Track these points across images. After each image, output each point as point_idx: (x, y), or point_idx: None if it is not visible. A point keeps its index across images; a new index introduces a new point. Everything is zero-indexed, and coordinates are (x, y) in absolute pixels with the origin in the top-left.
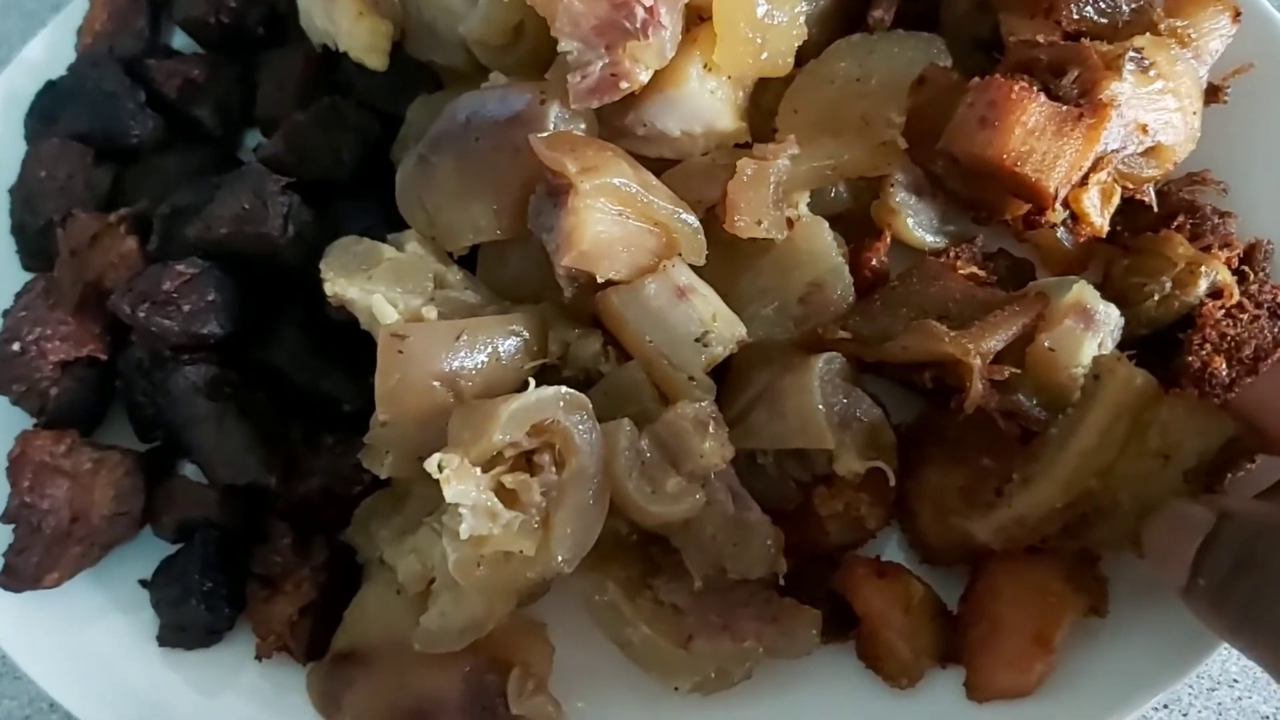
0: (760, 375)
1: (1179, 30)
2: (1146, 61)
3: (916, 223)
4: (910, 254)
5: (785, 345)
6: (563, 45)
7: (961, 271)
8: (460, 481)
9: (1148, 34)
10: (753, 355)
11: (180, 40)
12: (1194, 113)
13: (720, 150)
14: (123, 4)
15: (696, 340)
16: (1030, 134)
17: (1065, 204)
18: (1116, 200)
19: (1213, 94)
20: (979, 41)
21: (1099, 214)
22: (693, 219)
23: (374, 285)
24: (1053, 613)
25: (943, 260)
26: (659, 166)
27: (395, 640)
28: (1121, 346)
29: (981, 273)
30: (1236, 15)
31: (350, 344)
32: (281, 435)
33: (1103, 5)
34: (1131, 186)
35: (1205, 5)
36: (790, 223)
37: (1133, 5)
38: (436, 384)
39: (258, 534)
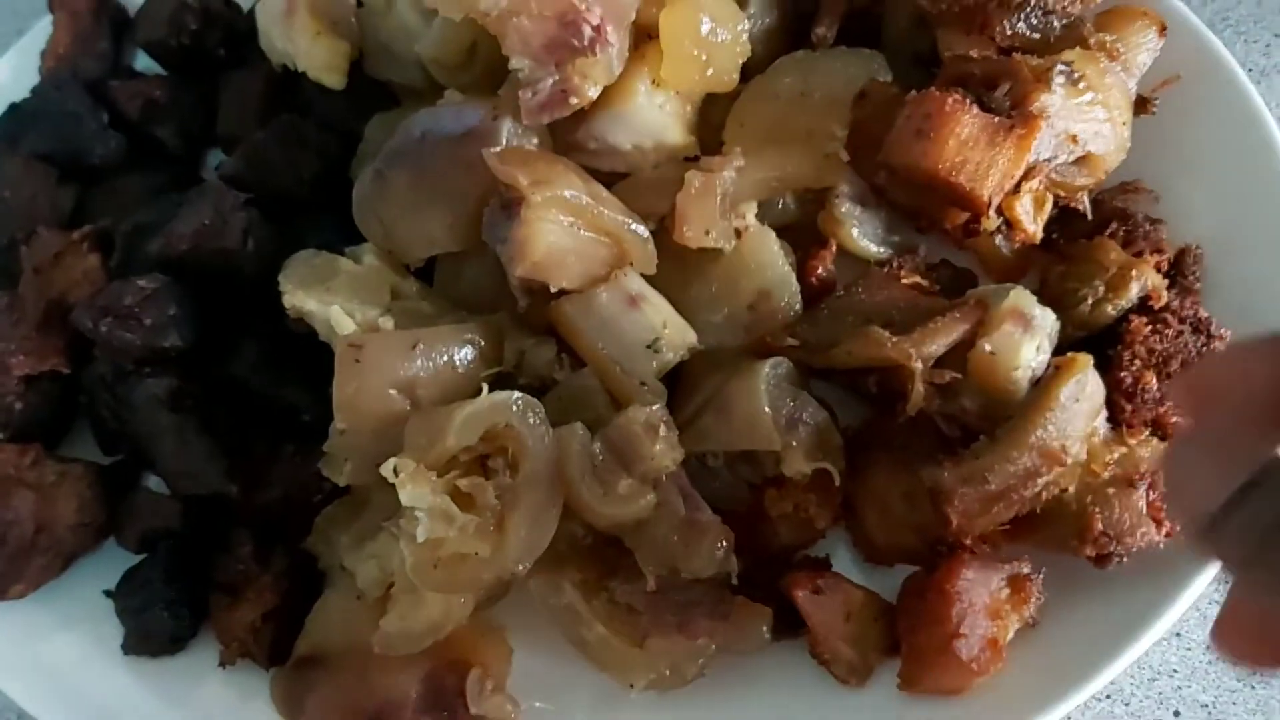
0: (710, 380)
1: (1108, 44)
2: (1076, 74)
3: (861, 233)
4: (856, 263)
5: (735, 351)
6: (514, 63)
7: (905, 281)
8: (416, 485)
9: (1078, 48)
10: (703, 361)
11: (143, 62)
12: (1124, 123)
13: (670, 163)
14: (86, 27)
15: (648, 347)
16: (964, 145)
17: (999, 212)
18: (1049, 208)
19: (1142, 105)
20: (919, 57)
21: (1031, 221)
22: (643, 230)
23: (332, 297)
24: (1003, 620)
25: (887, 270)
26: (610, 179)
27: (356, 644)
28: (1057, 350)
29: (924, 282)
30: (1163, 29)
31: (310, 355)
32: (243, 446)
33: (1034, 21)
34: (1064, 195)
35: (1133, 20)
36: (738, 233)
37: (1064, 21)
38: (393, 392)
39: (220, 543)
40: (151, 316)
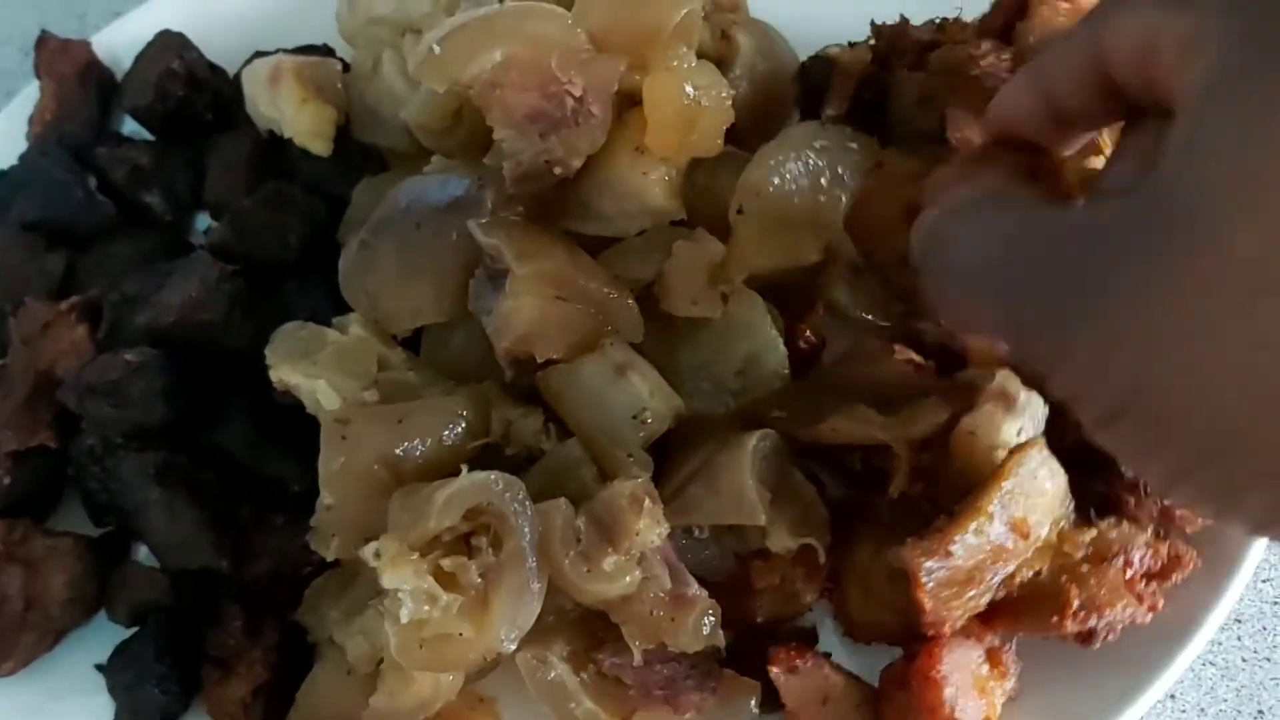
0: (698, 451)
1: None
2: None
3: (853, 304)
4: (848, 328)
5: (722, 420)
6: (498, 133)
7: (899, 356)
8: (398, 567)
9: None
10: (691, 430)
11: (130, 127)
12: None
13: (656, 228)
14: (73, 93)
15: (634, 417)
16: None
17: None
18: None
19: None
20: (927, 135)
21: None
22: (629, 298)
23: (318, 370)
24: (989, 695)
25: (880, 344)
26: (597, 245)
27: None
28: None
29: (918, 358)
30: None
31: (298, 426)
32: (232, 517)
33: None
34: None
35: None
36: (725, 298)
37: None
38: (379, 467)
39: (211, 617)
40: (138, 391)
